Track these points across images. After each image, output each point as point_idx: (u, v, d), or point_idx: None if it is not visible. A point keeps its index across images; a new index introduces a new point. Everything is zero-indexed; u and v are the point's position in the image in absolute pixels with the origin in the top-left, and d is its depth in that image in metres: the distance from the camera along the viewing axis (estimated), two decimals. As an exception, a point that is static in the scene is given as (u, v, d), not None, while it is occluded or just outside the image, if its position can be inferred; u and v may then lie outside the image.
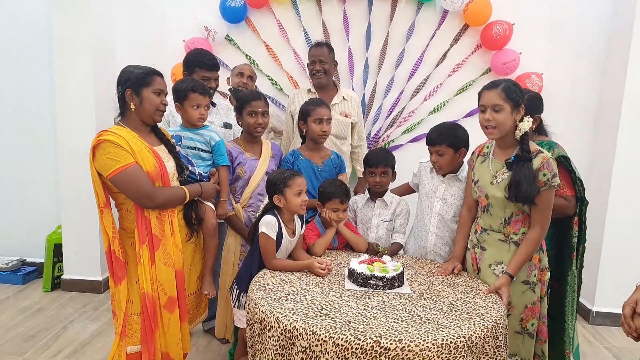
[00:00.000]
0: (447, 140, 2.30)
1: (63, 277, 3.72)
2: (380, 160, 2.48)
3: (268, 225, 2.11)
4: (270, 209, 2.20)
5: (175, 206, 2.04)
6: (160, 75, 1.99)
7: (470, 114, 3.64)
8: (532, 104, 2.32)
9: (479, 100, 2.04)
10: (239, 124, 2.60)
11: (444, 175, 2.43)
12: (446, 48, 3.62)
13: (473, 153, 2.24)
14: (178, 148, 2.21)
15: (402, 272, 2.00)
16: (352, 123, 3.16)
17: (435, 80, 3.67)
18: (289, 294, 1.84)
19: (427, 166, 2.53)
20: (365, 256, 2.13)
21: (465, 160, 2.38)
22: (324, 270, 2.05)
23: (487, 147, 2.16)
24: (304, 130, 2.63)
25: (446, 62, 3.63)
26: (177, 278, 2.00)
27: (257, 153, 2.56)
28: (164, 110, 2.01)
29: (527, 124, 1.97)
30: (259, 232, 2.12)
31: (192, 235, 2.11)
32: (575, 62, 3.55)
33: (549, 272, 2.11)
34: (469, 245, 2.26)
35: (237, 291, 2.19)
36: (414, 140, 3.73)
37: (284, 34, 3.67)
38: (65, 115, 3.48)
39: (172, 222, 2.00)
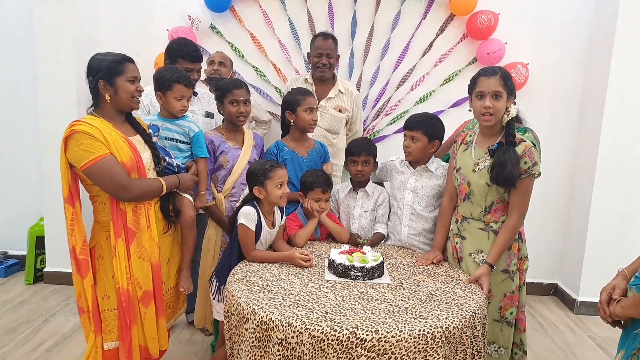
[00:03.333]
0: (424, 128, 2.31)
1: (45, 269, 3.68)
2: (362, 149, 2.47)
3: (247, 217, 2.09)
4: (250, 200, 2.18)
5: (152, 198, 2.00)
6: (131, 61, 1.94)
7: (455, 104, 3.63)
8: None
9: (473, 87, 2.03)
10: (220, 113, 2.56)
11: (414, 167, 2.42)
12: (432, 38, 3.59)
13: (455, 142, 2.24)
14: (155, 139, 2.17)
15: (382, 263, 1.99)
16: (346, 119, 3.13)
17: (421, 70, 3.64)
18: (267, 286, 1.82)
19: (395, 162, 2.53)
20: (346, 247, 2.12)
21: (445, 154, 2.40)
22: (305, 261, 2.03)
23: (470, 136, 2.17)
24: (292, 121, 2.60)
25: (432, 52, 3.61)
26: (153, 272, 1.97)
27: (240, 142, 2.54)
28: (140, 97, 1.97)
29: (514, 110, 1.99)
30: (238, 223, 2.10)
31: (170, 228, 2.08)
32: (560, 52, 3.54)
33: (527, 262, 2.11)
34: (449, 235, 2.25)
35: (217, 284, 2.17)
36: (400, 130, 3.69)
37: (269, 23, 3.62)
38: (48, 106, 3.41)
39: (148, 215, 1.97)
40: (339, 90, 3.12)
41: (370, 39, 3.62)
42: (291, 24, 3.61)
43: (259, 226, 2.12)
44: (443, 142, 2.44)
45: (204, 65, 3.25)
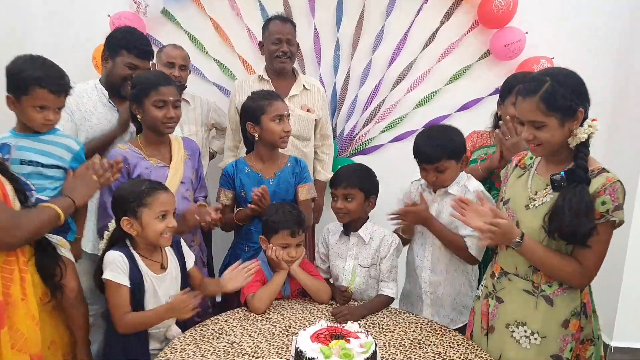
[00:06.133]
0: (446, 153, 1.74)
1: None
2: (341, 179, 1.84)
3: (112, 266, 1.50)
4: (119, 238, 1.58)
5: (46, 233, 1.46)
6: None
7: (464, 108, 3.02)
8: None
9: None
10: (134, 119, 1.91)
11: (434, 191, 1.84)
12: (435, 26, 2.97)
13: (510, 162, 1.65)
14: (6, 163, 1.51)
15: (375, 353, 1.35)
16: (315, 120, 2.50)
17: (421, 66, 3.02)
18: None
19: (416, 186, 1.95)
20: (323, 323, 1.48)
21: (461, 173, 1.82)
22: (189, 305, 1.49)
23: (531, 158, 1.56)
24: (256, 135, 1.96)
25: (435, 44, 2.99)
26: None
27: (166, 157, 1.89)
28: None
29: (587, 130, 1.36)
30: (104, 279, 1.51)
31: (53, 297, 1.48)
32: (592, 44, 2.92)
33: (592, 347, 1.48)
34: (480, 294, 1.64)
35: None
36: (397, 139, 3.08)
37: (235, 9, 2.97)
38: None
39: (23, 279, 1.34)
40: (303, 86, 2.49)
41: (360, 28, 2.98)
42: (262, 10, 2.96)
43: (136, 275, 1.52)
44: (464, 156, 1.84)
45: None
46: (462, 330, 1.76)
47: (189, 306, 1.49)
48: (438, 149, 1.73)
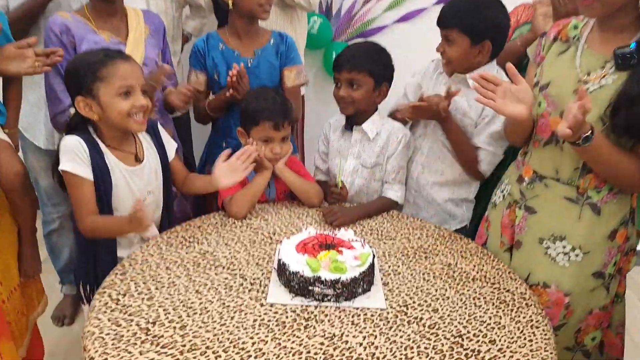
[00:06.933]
0: (460, 23, 1.39)
1: None
2: (346, 60, 1.49)
3: (68, 155, 1.23)
4: (78, 125, 1.29)
5: None
6: None
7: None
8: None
9: None
10: None
11: (450, 75, 1.52)
12: None
13: (545, 35, 1.28)
14: None
15: (372, 266, 1.12)
16: None
17: None
18: (152, 325, 0.96)
19: (432, 66, 1.62)
20: (311, 231, 1.23)
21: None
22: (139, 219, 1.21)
23: (576, 27, 1.20)
24: (230, 1, 1.59)
25: None
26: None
27: (121, 32, 1.54)
28: None
29: None
30: (61, 171, 1.24)
31: None
32: None
33: (635, 257, 1.25)
34: (500, 201, 1.38)
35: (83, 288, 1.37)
36: (403, 19, 2.65)
37: None
38: None
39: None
40: None
41: None
42: None
43: (100, 166, 1.25)
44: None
45: None
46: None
47: (143, 222, 1.22)
48: (454, 14, 1.39)
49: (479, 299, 1.11)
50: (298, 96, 1.79)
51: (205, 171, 1.79)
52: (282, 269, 1.11)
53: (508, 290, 1.15)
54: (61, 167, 1.23)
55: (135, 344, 0.92)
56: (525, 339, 0.99)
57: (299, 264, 1.08)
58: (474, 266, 1.25)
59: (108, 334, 0.94)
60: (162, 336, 0.94)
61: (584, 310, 1.22)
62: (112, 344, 0.91)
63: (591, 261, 1.19)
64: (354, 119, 1.57)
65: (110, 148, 1.29)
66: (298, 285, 1.07)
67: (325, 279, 1.05)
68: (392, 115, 1.64)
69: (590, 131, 1.02)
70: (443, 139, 1.54)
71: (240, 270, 1.18)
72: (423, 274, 1.20)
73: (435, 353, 0.93)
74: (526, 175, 1.28)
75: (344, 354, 0.92)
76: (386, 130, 1.56)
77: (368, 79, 1.48)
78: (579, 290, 1.21)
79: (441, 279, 1.19)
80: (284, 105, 1.47)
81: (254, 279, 1.14)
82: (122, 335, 0.94)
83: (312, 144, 1.97)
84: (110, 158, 1.28)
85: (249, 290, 1.10)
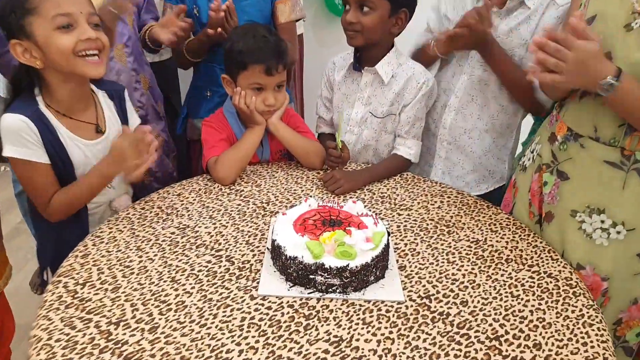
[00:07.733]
0: None
1: None
2: None
3: (12, 138, 0.99)
4: (21, 85, 1.05)
5: None
6: None
7: None
8: None
9: None
10: None
11: (502, 5, 1.23)
12: None
13: None
14: None
15: (387, 247, 0.92)
16: None
17: None
18: (117, 327, 0.77)
19: None
20: (312, 203, 1.01)
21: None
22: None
23: None
24: None
25: None
26: None
27: None
28: None
29: None
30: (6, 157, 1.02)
31: None
32: None
33: None
34: (529, 163, 1.16)
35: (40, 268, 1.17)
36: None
37: None
38: None
39: None
40: None
41: None
42: None
43: (53, 144, 1.02)
44: None
45: None
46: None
47: (132, 155, 1.01)
48: None
49: (515, 286, 0.92)
50: (294, 34, 1.53)
51: (187, 126, 1.55)
52: (277, 252, 0.90)
53: (550, 275, 0.96)
54: (6, 153, 1.00)
55: (92, 354, 0.73)
56: (577, 341, 0.80)
57: (297, 247, 0.87)
58: (507, 242, 1.05)
59: (58, 340, 0.75)
60: (127, 342, 0.75)
61: (626, 298, 1.02)
62: (62, 355, 0.72)
63: (636, 240, 0.98)
64: (364, 58, 1.32)
65: (64, 119, 1.04)
66: (296, 273, 0.87)
67: (330, 267, 0.85)
68: (416, 55, 1.38)
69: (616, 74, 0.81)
70: (480, 72, 1.28)
71: (226, 251, 0.98)
72: (447, 253, 1.00)
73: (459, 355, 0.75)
74: (559, 133, 1.05)
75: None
76: (404, 73, 1.30)
77: (383, 1, 1.21)
78: (620, 275, 1.00)
79: (469, 260, 0.99)
80: (278, 45, 1.20)
81: (242, 263, 0.94)
82: (76, 342, 0.75)
83: (312, 93, 1.71)
84: (64, 133, 1.04)
85: (237, 278, 0.90)
